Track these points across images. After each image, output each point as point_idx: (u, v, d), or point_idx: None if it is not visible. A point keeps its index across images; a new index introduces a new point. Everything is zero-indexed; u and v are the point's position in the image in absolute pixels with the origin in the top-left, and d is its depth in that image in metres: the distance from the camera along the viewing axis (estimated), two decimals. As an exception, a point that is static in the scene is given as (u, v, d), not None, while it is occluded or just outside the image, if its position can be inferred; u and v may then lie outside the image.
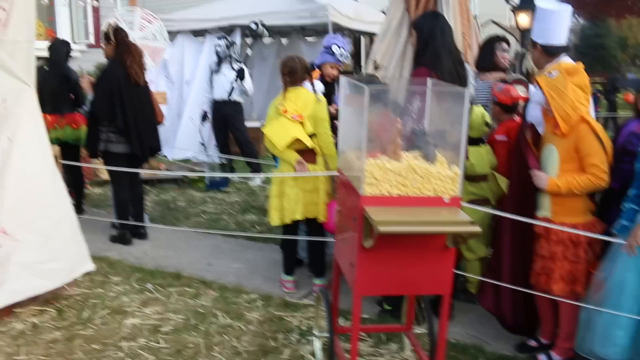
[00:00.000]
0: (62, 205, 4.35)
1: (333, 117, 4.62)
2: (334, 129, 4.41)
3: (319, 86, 5.34)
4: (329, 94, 5.15)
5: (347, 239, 2.86)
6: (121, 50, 5.54)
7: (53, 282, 4.24)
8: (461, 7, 6.34)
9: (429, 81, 3.01)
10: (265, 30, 8.85)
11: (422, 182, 2.63)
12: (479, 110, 4.13)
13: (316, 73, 5.30)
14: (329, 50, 5.37)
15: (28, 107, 4.25)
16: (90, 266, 4.48)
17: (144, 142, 5.58)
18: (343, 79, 3.09)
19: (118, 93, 5.40)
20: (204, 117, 8.45)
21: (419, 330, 3.56)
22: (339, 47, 5.36)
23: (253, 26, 8.68)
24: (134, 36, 8.09)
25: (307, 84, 4.61)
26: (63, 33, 13.06)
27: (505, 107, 4.07)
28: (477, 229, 2.55)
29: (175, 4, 15.35)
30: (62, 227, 4.32)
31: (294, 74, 4.41)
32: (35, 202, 4.20)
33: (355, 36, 18.51)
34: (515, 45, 13.20)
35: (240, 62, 8.45)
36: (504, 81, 4.34)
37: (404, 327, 3.40)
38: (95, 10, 14.65)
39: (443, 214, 2.61)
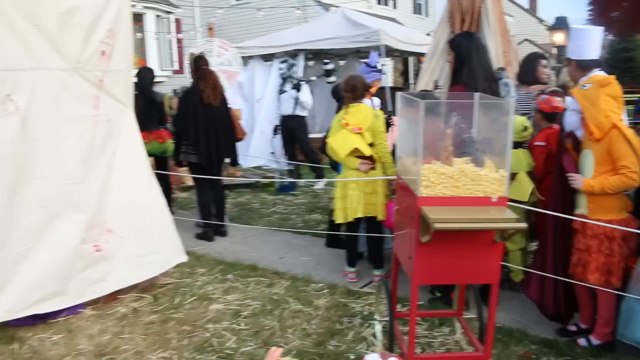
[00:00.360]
0: (158, 206, 4.48)
1: None
2: None
3: (376, 102, 5.35)
4: None
5: (405, 234, 2.85)
6: (198, 76, 5.68)
7: (150, 272, 4.37)
8: (501, 28, 6.25)
9: (477, 95, 2.98)
10: (334, 68, 8.87)
11: (472, 184, 2.60)
12: (519, 118, 4.07)
13: (373, 90, 5.33)
14: (376, 68, 5.43)
15: (127, 125, 4.40)
16: (184, 257, 4.58)
17: (212, 154, 5.66)
18: (400, 94, 3.09)
19: (193, 112, 5.57)
20: (275, 129, 8.56)
21: (469, 315, 3.51)
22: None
23: (329, 66, 8.76)
24: (213, 62, 8.28)
25: (366, 100, 4.65)
26: (152, 62, 13.46)
27: (546, 115, 3.98)
28: (523, 225, 2.51)
29: (247, 33, 15.60)
30: (158, 226, 4.44)
31: (355, 91, 4.44)
32: (134, 205, 4.34)
33: (403, 57, 18.45)
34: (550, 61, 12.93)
35: (302, 81, 8.53)
36: (544, 92, 4.25)
37: (456, 312, 3.36)
38: (179, 42, 15.04)
39: (491, 212, 2.57)
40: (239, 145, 6.21)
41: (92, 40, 4.06)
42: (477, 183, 2.61)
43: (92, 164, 4.07)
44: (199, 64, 5.75)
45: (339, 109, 5.81)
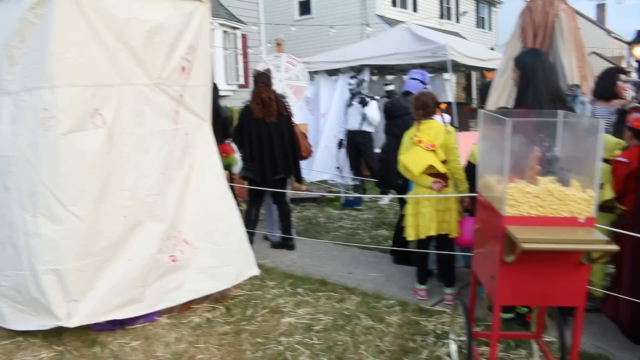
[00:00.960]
0: (232, 219, 4.56)
1: None
2: None
3: (447, 118, 5.31)
4: None
5: (487, 253, 2.81)
6: (253, 92, 5.80)
7: (223, 284, 4.45)
8: (576, 43, 6.10)
9: (560, 113, 2.92)
10: (394, 90, 8.86)
11: (559, 204, 2.55)
12: (614, 139, 3.96)
13: (444, 106, 5.32)
14: (423, 82, 5.55)
15: (205, 139, 4.52)
16: (256, 271, 4.64)
17: (266, 171, 5.71)
18: (483, 112, 3.06)
19: (246, 128, 5.69)
20: (340, 144, 8.61)
21: (548, 338, 3.42)
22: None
23: (389, 87, 8.78)
24: (281, 77, 8.44)
25: (437, 116, 4.63)
26: (218, 76, 13.79)
27: (637, 133, 3.85)
28: (613, 247, 2.43)
29: (310, 48, 15.80)
30: (232, 238, 4.53)
31: (426, 107, 4.43)
32: (210, 217, 4.45)
33: (466, 72, 18.23)
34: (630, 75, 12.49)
35: (370, 97, 8.56)
36: (626, 108, 4.13)
37: (534, 334, 3.27)
38: (245, 57, 15.37)
39: (579, 233, 2.51)
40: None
41: (174, 57, 4.22)
42: (563, 203, 2.55)
43: (170, 176, 4.22)
44: (257, 80, 5.86)
45: (388, 127, 5.81)
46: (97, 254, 3.80)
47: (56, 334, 3.83)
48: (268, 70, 6.35)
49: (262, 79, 5.86)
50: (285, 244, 6.00)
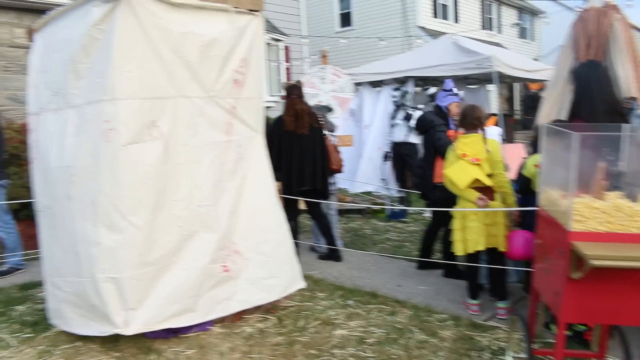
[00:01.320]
0: (281, 231, 4.59)
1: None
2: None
3: (496, 130, 5.25)
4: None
5: (550, 269, 2.76)
6: (286, 104, 5.83)
7: (272, 295, 4.47)
8: (631, 54, 5.96)
9: (626, 126, 2.86)
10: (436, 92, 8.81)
11: (628, 220, 2.49)
12: None
13: (493, 120, 5.25)
14: (451, 92, 5.47)
15: (257, 151, 4.56)
16: (302, 284, 4.66)
17: (292, 182, 5.70)
18: (544, 125, 3.01)
19: (277, 139, 5.70)
20: (386, 156, 8.59)
21: (611, 358, 3.32)
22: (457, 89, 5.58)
23: (431, 91, 8.73)
24: (326, 89, 8.49)
25: (487, 129, 4.58)
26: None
27: None
28: (687, 265, 2.36)
29: (354, 60, 15.85)
30: (281, 250, 4.55)
31: (470, 121, 4.39)
32: (261, 228, 4.48)
33: (509, 83, 17.99)
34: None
35: (414, 108, 8.52)
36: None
37: (597, 354, 3.19)
38: (287, 68, 15.51)
39: (650, 251, 2.44)
40: (347, 170, 6.18)
41: (227, 70, 4.28)
42: (632, 219, 2.49)
43: (223, 187, 4.27)
44: (289, 92, 5.89)
45: (427, 140, 5.75)
46: (153, 263, 3.87)
47: (113, 341, 3.91)
48: (299, 82, 6.37)
49: (295, 91, 5.90)
50: (332, 255, 6.00)
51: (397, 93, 8.84)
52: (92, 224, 3.82)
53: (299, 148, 5.71)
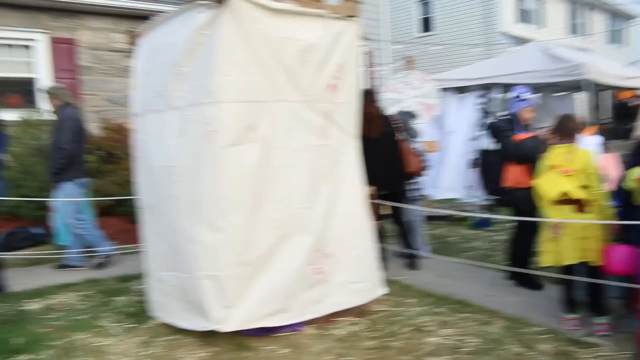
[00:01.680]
0: (368, 236, 4.62)
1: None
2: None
3: (594, 140, 5.06)
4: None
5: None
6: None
7: (358, 299, 4.50)
8: None
9: None
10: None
11: None
12: None
13: (592, 129, 5.07)
14: (520, 98, 5.32)
15: (351, 155, 4.59)
16: (385, 290, 4.69)
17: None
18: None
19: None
20: (473, 163, 8.42)
21: None
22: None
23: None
24: (412, 95, 8.43)
25: (585, 138, 4.42)
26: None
27: None
28: None
29: (438, 66, 15.68)
30: (368, 255, 4.58)
31: (563, 130, 4.25)
32: (352, 232, 4.50)
33: (597, 90, 17.25)
34: None
35: (498, 115, 8.31)
36: None
37: None
38: (369, 73, 15.51)
39: None
40: (429, 176, 6.08)
41: (323, 75, 4.33)
42: None
43: (317, 190, 4.31)
44: (362, 97, 5.85)
45: (504, 148, 5.58)
46: (251, 262, 3.96)
47: (210, 336, 4.02)
48: (373, 86, 6.31)
49: (367, 96, 5.88)
50: (410, 262, 5.95)
51: (482, 100, 8.65)
52: (193, 223, 3.96)
53: (372, 152, 5.71)
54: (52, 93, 6.50)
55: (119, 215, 7.75)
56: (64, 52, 9.86)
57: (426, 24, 22.28)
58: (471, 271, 5.78)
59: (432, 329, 4.20)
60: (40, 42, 9.70)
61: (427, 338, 4.04)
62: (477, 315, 4.47)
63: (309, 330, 4.21)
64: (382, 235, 5.90)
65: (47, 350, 4.00)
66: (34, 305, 5.08)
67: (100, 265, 6.41)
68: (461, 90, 10.53)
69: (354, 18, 4.54)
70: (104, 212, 7.48)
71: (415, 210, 6.29)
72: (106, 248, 6.49)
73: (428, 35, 21.62)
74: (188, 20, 4.14)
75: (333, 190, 4.41)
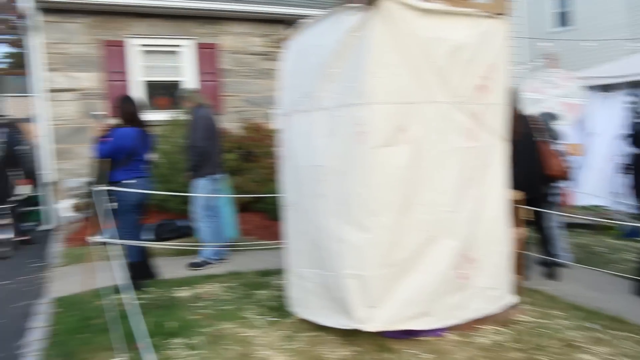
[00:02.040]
0: (508, 243, 4.47)
1: None
2: None
3: None
4: None
5: None
6: None
7: (495, 306, 4.36)
8: None
9: None
10: None
11: None
12: None
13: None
14: None
15: (498, 158, 4.44)
16: (515, 298, 4.52)
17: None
18: None
19: None
20: (626, 168, 7.85)
21: None
22: None
23: None
24: (554, 94, 8.02)
25: None
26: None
27: None
28: None
29: (579, 62, 14.79)
30: (506, 262, 4.43)
31: None
32: (495, 238, 4.36)
33: None
34: None
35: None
36: None
37: None
38: (510, 72, 14.99)
39: None
40: (573, 181, 5.74)
41: (472, 75, 4.22)
42: None
43: (464, 193, 4.21)
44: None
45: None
46: (396, 264, 3.95)
47: (351, 335, 4.06)
48: (512, 86, 6.02)
49: (507, 96, 5.61)
50: (550, 271, 5.66)
51: (632, 99, 8.03)
52: (340, 222, 4.01)
53: (511, 155, 5.48)
54: (186, 96, 6.89)
55: (258, 212, 8.05)
56: (207, 56, 10.45)
57: (563, 18, 21.06)
58: (622, 285, 5.38)
59: (583, 346, 3.96)
60: (187, 48, 10.38)
61: (578, 354, 3.82)
62: (635, 334, 4.15)
63: (451, 336, 4.13)
64: (524, 242, 5.68)
65: (199, 336, 4.25)
66: (183, 293, 5.42)
67: (198, 265, 6.57)
68: (607, 88, 9.87)
69: (503, 16, 4.38)
70: (243, 208, 7.81)
71: (554, 216, 5.97)
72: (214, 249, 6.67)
73: (564, 31, 20.44)
74: (338, 22, 4.19)
75: (481, 194, 4.29)
